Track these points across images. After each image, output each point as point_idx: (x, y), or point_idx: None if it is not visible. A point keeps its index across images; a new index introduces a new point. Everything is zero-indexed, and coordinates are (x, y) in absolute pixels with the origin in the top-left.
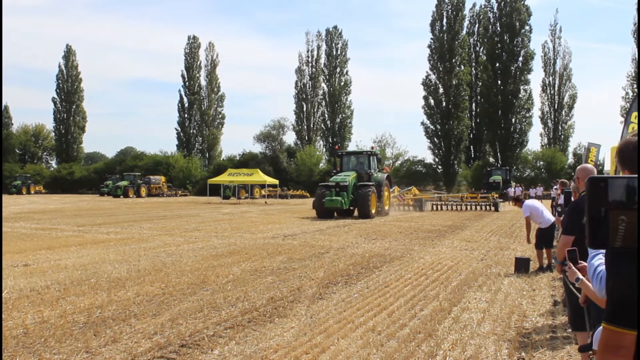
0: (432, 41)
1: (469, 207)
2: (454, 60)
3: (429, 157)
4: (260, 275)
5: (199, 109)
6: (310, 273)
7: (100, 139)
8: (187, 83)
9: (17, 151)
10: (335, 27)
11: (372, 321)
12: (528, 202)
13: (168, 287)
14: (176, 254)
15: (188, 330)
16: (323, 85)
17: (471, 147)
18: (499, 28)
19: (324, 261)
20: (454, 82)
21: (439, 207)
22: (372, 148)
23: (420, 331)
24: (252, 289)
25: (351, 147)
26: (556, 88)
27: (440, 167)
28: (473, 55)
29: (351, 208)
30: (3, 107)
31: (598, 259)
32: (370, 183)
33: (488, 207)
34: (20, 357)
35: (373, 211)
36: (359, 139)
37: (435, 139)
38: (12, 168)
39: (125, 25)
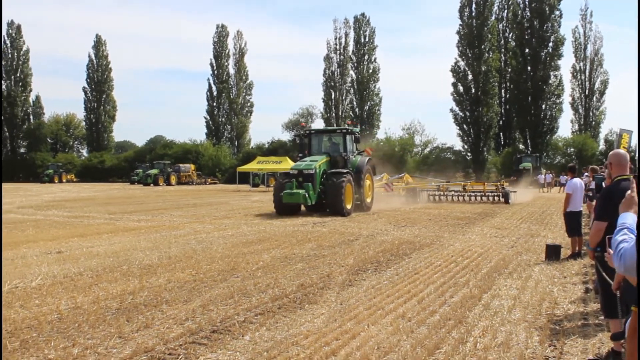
0: (460, 27)
1: (472, 198)
2: (483, 47)
3: (458, 144)
4: (290, 262)
5: (228, 98)
6: (339, 260)
7: (130, 128)
8: (215, 72)
9: (49, 140)
10: (362, 14)
11: (402, 308)
12: (576, 180)
13: (199, 273)
14: (206, 241)
15: (219, 316)
16: (351, 72)
17: (501, 134)
18: (528, 13)
19: (354, 248)
20: (483, 69)
21: (436, 198)
22: (349, 124)
23: (451, 318)
24: (282, 275)
25: (380, 135)
26: (587, 74)
27: (469, 154)
28: (502, 42)
29: (324, 202)
30: (35, 97)
31: (622, 234)
32: (345, 170)
33: (497, 198)
34: (55, 342)
35: (349, 206)
36: (388, 127)
37: (465, 126)
38: (44, 157)
39: (151, 15)
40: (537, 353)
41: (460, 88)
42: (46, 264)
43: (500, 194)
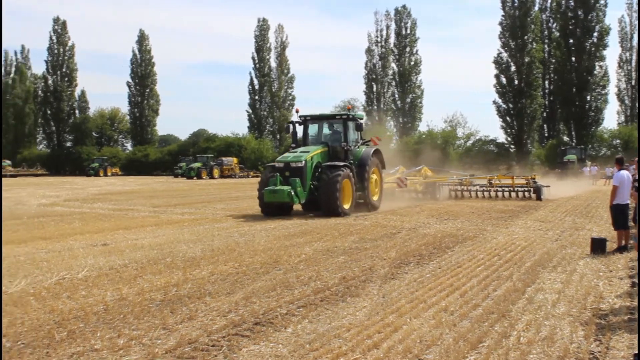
0: (503, 18)
1: (500, 194)
2: (526, 38)
3: (501, 137)
4: (332, 255)
5: (270, 91)
6: (382, 253)
7: (173, 121)
8: (257, 65)
9: (94, 134)
10: (404, 6)
11: (444, 301)
12: (623, 172)
13: (242, 266)
14: (249, 234)
15: (262, 309)
16: (393, 65)
17: (544, 125)
18: (572, 3)
19: (396, 241)
20: (526, 60)
21: (459, 194)
22: (349, 109)
23: (494, 311)
24: (324, 268)
25: (422, 127)
26: (633, 64)
27: (512, 146)
28: (546, 32)
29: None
30: (80, 92)
31: None
32: (342, 163)
33: (527, 194)
34: (101, 333)
35: (346, 206)
36: (430, 119)
37: (508, 118)
38: (90, 151)
39: (194, 9)
40: (582, 348)
41: (503, 80)
42: (92, 255)
43: (531, 189)
